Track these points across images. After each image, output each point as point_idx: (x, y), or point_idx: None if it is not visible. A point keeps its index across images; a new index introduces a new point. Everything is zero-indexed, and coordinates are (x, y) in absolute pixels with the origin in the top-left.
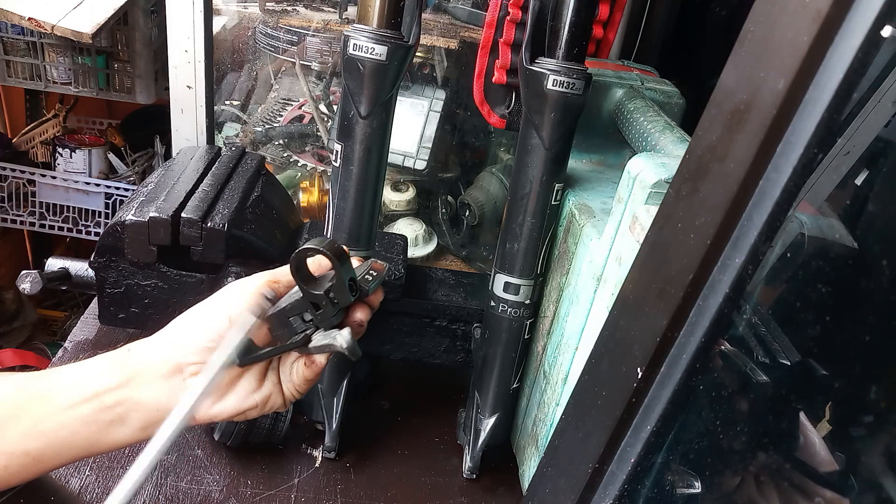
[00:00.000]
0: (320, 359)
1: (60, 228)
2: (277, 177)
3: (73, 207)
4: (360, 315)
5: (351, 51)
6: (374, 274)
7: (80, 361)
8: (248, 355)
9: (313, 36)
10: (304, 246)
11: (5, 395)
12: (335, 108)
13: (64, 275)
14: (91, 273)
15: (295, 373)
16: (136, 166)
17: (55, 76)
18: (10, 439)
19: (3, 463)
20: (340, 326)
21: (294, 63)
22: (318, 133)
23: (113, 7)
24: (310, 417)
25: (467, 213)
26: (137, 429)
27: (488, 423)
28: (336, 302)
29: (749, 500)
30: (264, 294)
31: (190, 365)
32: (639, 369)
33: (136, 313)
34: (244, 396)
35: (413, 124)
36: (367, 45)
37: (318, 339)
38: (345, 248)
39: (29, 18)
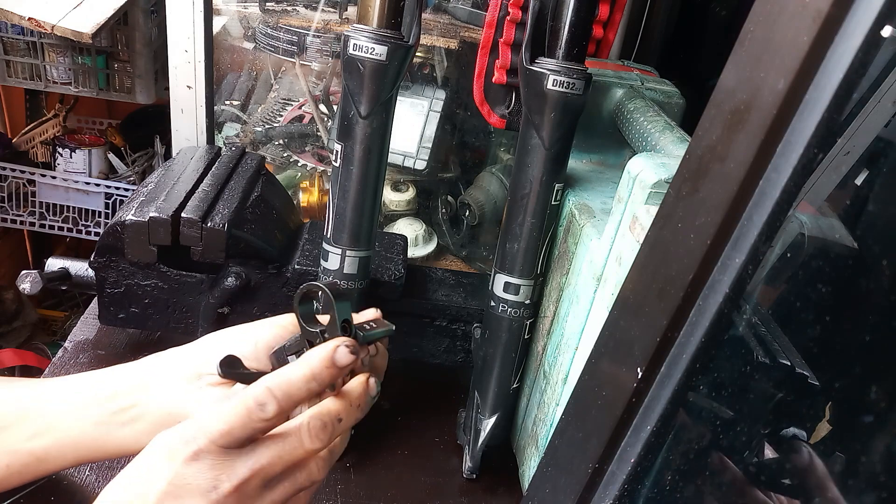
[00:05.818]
0: None
1: (60, 228)
2: (277, 177)
3: (73, 207)
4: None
5: (351, 51)
6: (374, 325)
7: (100, 369)
8: (231, 369)
9: (313, 36)
10: (309, 282)
11: (18, 396)
12: (335, 108)
13: (64, 275)
14: (91, 273)
15: None
16: (136, 166)
17: (55, 76)
18: (17, 438)
19: (5, 462)
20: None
21: (294, 63)
22: (318, 133)
23: (113, 7)
24: None
25: (467, 213)
26: (144, 432)
27: (488, 423)
28: (328, 339)
29: (748, 500)
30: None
31: (209, 375)
32: (639, 369)
33: (136, 313)
34: None
35: (413, 124)
36: (367, 45)
37: None
38: (347, 289)
39: (29, 18)
